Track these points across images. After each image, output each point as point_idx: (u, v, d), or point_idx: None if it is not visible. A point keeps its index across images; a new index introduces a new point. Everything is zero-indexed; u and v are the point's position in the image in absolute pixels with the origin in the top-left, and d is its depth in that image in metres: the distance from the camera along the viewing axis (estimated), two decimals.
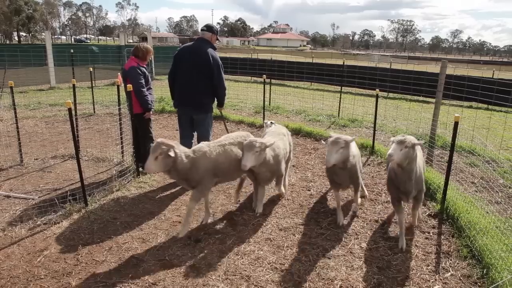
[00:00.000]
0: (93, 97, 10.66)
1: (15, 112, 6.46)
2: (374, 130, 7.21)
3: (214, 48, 5.38)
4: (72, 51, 13.84)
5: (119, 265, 3.56)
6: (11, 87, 6.46)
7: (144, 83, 5.60)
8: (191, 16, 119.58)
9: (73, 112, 5.17)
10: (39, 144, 7.47)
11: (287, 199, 5.10)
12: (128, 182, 5.47)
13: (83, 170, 6.01)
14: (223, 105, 5.66)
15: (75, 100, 6.99)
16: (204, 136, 5.34)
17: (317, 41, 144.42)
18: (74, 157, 6.68)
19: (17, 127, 6.51)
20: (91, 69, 10.76)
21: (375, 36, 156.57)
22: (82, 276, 3.41)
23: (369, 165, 6.54)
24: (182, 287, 3.28)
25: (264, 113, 9.17)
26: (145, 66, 5.86)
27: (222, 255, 3.75)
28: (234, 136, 4.52)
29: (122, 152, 6.26)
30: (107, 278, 3.37)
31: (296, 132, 8.24)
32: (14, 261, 3.64)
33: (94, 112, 10.36)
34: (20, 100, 11.45)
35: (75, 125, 6.33)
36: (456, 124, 4.64)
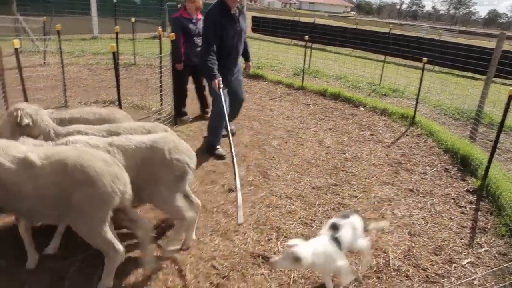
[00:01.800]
0: (134, 48, 10.79)
1: (62, 57, 6.64)
2: (417, 101, 6.94)
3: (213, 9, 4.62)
4: (115, 1, 13.89)
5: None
6: (58, 31, 6.63)
7: (180, 35, 5.58)
8: None
9: (116, 57, 5.23)
10: (82, 89, 7.71)
11: (322, 160, 5.06)
12: None
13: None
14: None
15: (117, 49, 7.09)
16: None
17: (362, 8, 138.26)
18: (115, 103, 6.89)
19: (63, 72, 6.71)
20: (133, 20, 10.81)
21: (424, 6, 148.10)
22: None
23: (408, 135, 6.34)
24: (213, 231, 3.38)
25: (303, 76, 8.98)
26: (192, 18, 5.78)
27: (254, 206, 3.81)
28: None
29: (161, 101, 6.36)
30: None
31: (335, 97, 8.07)
32: None
33: (135, 63, 10.49)
34: (65, 47, 11.72)
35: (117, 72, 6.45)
36: (510, 98, 4.36)
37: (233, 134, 5.27)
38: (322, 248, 2.56)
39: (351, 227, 2.78)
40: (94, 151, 2.51)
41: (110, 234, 2.49)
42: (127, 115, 3.71)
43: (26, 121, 2.91)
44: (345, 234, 2.71)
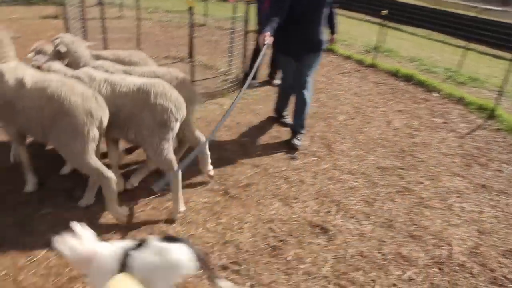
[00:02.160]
0: (206, 9, 10.82)
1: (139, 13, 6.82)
2: (500, 94, 6.36)
3: None
4: None
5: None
6: None
7: (262, 1, 5.39)
8: None
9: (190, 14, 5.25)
10: (153, 44, 7.90)
11: (389, 141, 4.83)
12: (232, 92, 5.61)
13: (189, 73, 6.31)
14: None
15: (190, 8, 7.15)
16: None
17: None
18: (184, 60, 7.00)
19: (139, 26, 6.90)
20: None
21: None
22: None
23: (485, 129, 5.87)
24: (273, 195, 3.37)
25: (375, 54, 8.55)
26: None
27: (316, 177, 3.74)
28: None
29: (230, 63, 6.35)
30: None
31: (407, 79, 7.61)
32: None
33: (205, 24, 10.53)
34: (141, 2, 12.05)
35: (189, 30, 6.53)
36: None
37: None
38: None
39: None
40: (76, 85, 2.74)
41: (96, 162, 2.75)
42: (144, 58, 3.78)
43: (62, 49, 3.26)
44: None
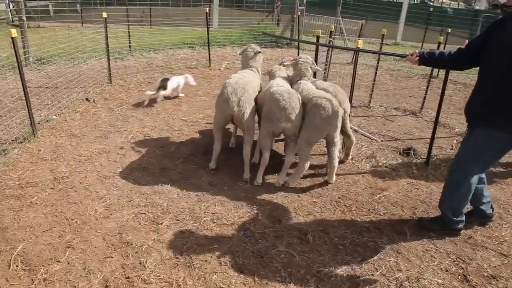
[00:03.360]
0: None
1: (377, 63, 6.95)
2: None
3: None
4: (431, 9, 13.57)
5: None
6: (383, 35, 6.95)
7: None
8: None
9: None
10: (383, 93, 7.91)
11: None
12: None
13: (421, 129, 5.99)
14: None
15: None
16: None
17: None
18: (415, 114, 6.73)
19: (376, 73, 7.04)
20: (449, 30, 10.24)
21: None
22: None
23: None
24: None
25: None
26: None
27: None
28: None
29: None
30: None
31: None
32: (359, 189, 4.07)
33: (437, 75, 9.97)
34: (369, 49, 12.41)
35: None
36: None
37: None
38: None
39: None
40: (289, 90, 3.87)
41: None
42: (337, 90, 4.23)
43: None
44: None
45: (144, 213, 3.42)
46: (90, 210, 3.41)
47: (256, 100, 4.17)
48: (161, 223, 3.29)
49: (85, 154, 4.46)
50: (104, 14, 6.95)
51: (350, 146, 4.54)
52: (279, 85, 4.05)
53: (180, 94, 6.81)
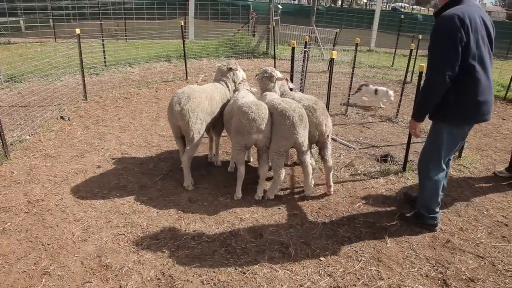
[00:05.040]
0: (408, 65, 10.49)
1: (353, 67, 7.10)
2: None
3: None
4: (402, 17, 13.95)
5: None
6: (357, 44, 7.11)
7: None
8: None
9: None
10: (359, 100, 8.04)
11: None
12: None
13: (398, 135, 6.11)
14: None
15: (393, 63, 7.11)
16: None
17: None
18: (391, 120, 6.87)
19: (351, 81, 7.17)
20: (420, 37, 10.54)
21: None
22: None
23: None
24: None
25: None
26: None
27: None
28: None
29: None
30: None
31: None
32: (339, 198, 4.11)
33: (411, 80, 10.22)
34: (344, 57, 12.66)
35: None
36: None
37: None
38: None
39: None
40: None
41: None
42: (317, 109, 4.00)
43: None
44: None
45: (123, 234, 3.36)
46: (67, 234, 3.32)
47: (223, 114, 4.28)
48: (141, 244, 3.23)
49: (60, 175, 4.35)
50: (78, 30, 6.86)
51: (327, 173, 4.11)
52: (245, 97, 4.07)
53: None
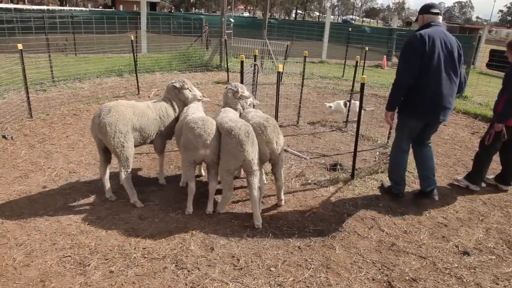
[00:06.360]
0: (354, 76, 10.98)
1: (303, 79, 7.32)
2: None
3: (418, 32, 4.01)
4: (350, 29, 14.55)
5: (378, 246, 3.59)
6: (305, 57, 7.34)
7: None
8: (466, 1, 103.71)
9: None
10: (311, 111, 8.29)
11: None
12: None
13: (348, 144, 6.34)
14: None
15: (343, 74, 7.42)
16: None
17: None
18: (341, 129, 7.12)
19: (301, 93, 7.38)
20: (367, 48, 11.04)
21: None
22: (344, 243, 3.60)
23: None
24: None
25: None
26: None
27: (497, 281, 3.22)
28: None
29: (389, 136, 6.22)
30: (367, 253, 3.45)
31: None
32: (290, 208, 4.20)
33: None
34: (297, 69, 13.00)
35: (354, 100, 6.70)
36: None
37: None
38: None
39: None
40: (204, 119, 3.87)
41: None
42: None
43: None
44: None
45: (69, 256, 3.24)
46: (8, 260, 3.16)
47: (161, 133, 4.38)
48: (89, 265, 3.13)
49: (2, 198, 4.14)
50: (20, 46, 6.59)
51: (278, 190, 4.17)
52: (193, 112, 4.10)
53: None
